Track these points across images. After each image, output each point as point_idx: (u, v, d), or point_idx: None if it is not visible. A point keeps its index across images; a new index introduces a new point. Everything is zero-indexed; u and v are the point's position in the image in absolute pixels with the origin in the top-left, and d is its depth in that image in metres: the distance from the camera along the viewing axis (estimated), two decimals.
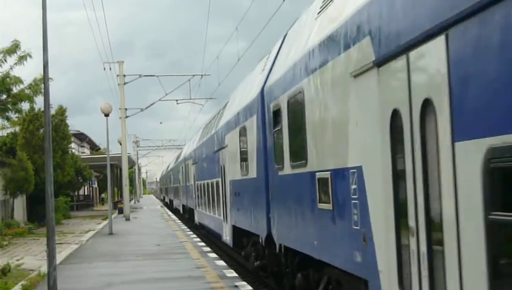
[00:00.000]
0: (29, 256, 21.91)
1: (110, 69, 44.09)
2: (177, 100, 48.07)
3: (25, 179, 33.79)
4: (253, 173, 14.11)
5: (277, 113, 11.27)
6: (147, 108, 46.37)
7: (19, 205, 37.60)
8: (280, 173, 11.29)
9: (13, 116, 34.19)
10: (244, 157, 15.35)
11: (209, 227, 25.89)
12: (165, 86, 45.46)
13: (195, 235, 26.93)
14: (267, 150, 12.52)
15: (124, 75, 43.50)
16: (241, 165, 15.75)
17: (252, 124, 14.09)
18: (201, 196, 27.53)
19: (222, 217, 20.02)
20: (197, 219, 31.31)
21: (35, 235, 31.04)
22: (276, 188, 11.84)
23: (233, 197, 17.41)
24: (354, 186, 7.33)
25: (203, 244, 22.85)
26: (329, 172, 8.26)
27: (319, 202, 8.79)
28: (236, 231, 17.42)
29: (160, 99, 45.92)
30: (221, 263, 17.18)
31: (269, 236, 12.84)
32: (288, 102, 10.42)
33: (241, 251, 17.96)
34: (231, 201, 17.87)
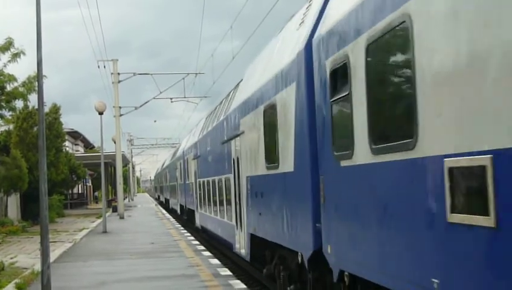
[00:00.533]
0: (23, 254, 21.85)
1: (105, 67, 44.14)
2: (171, 98, 48.08)
3: (19, 177, 33.69)
4: (287, 166, 10.48)
5: (340, 72, 7.75)
6: (141, 106, 46.37)
7: (13, 203, 37.54)
8: (344, 163, 7.73)
9: (7, 114, 34.14)
10: (271, 145, 11.71)
11: (214, 233, 22.29)
12: (160, 84, 45.72)
13: (189, 234, 26.96)
14: (317, 131, 8.84)
15: (118, 73, 43.49)
16: (266, 155, 12.12)
17: (288, 97, 10.31)
18: (204, 196, 24.24)
19: (234, 223, 16.63)
20: (198, 222, 28.16)
21: (29, 234, 30.96)
22: (335, 187, 8.28)
23: (252, 198, 13.80)
24: None
25: (197, 242, 22.93)
26: (488, 156, 4.54)
27: (452, 212, 5.13)
28: (255, 241, 13.94)
29: (154, 98, 45.95)
30: (215, 261, 17.19)
31: (316, 255, 9.22)
32: (368, 48, 6.78)
33: (260, 267, 14.76)
34: (248, 203, 14.26)
